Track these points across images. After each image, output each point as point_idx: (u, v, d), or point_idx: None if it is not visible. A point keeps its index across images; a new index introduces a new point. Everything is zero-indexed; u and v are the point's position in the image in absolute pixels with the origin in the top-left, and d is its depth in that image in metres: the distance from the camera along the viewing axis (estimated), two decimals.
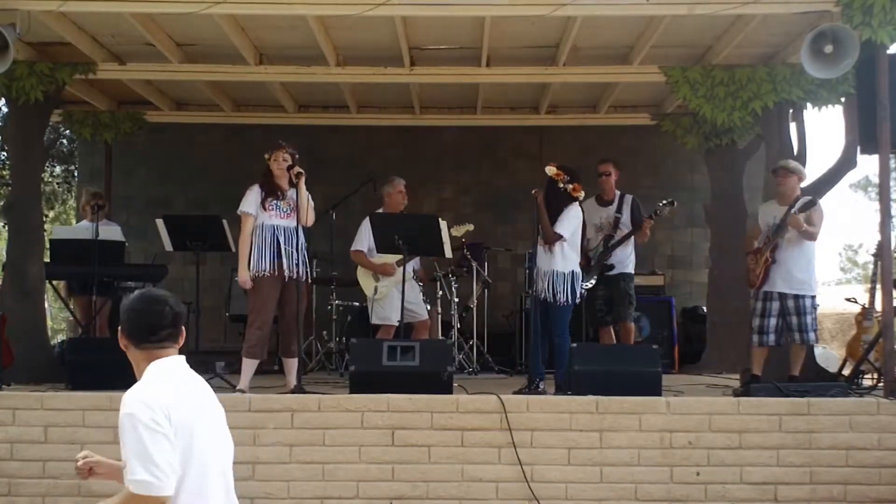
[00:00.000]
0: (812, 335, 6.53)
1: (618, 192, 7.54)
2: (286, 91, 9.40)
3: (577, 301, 6.73)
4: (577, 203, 6.69)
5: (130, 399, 2.67)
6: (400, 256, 6.97)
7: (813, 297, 6.60)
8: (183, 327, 2.90)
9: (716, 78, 7.82)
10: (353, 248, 7.59)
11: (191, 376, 2.90)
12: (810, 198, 6.59)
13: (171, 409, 2.65)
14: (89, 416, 5.74)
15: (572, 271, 6.65)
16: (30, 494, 5.63)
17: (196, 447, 2.70)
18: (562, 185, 6.52)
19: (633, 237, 7.48)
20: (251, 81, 8.76)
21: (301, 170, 6.37)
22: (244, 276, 6.36)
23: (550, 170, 6.59)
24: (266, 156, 6.50)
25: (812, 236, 6.57)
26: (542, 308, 6.60)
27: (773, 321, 6.58)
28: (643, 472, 5.69)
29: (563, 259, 6.63)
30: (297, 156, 6.51)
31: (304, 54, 7.96)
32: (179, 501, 2.66)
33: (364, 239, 7.48)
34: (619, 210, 7.46)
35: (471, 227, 8.01)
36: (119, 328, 2.87)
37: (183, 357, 2.90)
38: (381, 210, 7.61)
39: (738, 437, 5.73)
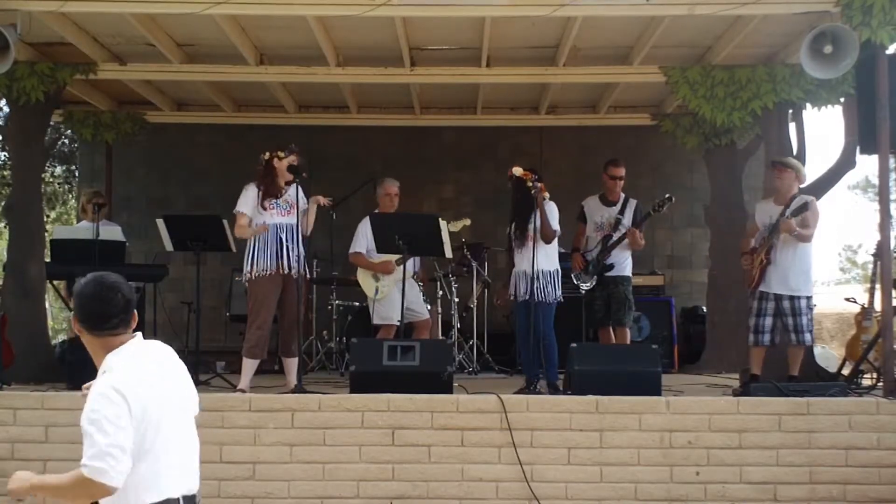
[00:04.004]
0: (808, 336, 6.51)
1: (622, 195, 7.53)
2: (286, 91, 9.41)
3: (562, 299, 6.77)
4: (550, 199, 6.76)
5: (92, 397, 2.71)
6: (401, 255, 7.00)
7: (808, 298, 6.57)
8: (135, 311, 2.90)
9: (715, 78, 7.82)
10: (350, 251, 7.59)
11: (153, 355, 2.90)
12: (805, 200, 6.58)
13: (132, 401, 2.68)
14: None
15: (557, 269, 6.72)
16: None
17: (157, 434, 2.74)
18: (530, 184, 6.58)
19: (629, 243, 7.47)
20: (251, 81, 8.77)
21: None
22: (253, 230, 6.39)
23: (518, 170, 6.66)
24: (281, 154, 6.48)
25: (806, 238, 6.53)
26: (528, 309, 6.59)
27: (768, 320, 6.57)
28: (643, 472, 5.70)
29: (546, 257, 6.68)
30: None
31: (305, 54, 7.97)
32: (133, 488, 2.72)
33: (362, 241, 7.48)
34: (621, 212, 7.45)
35: (467, 221, 8.03)
36: (73, 314, 2.89)
37: (139, 334, 2.90)
38: (376, 211, 7.62)
39: (738, 437, 5.74)
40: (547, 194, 6.73)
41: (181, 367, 3.01)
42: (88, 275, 2.91)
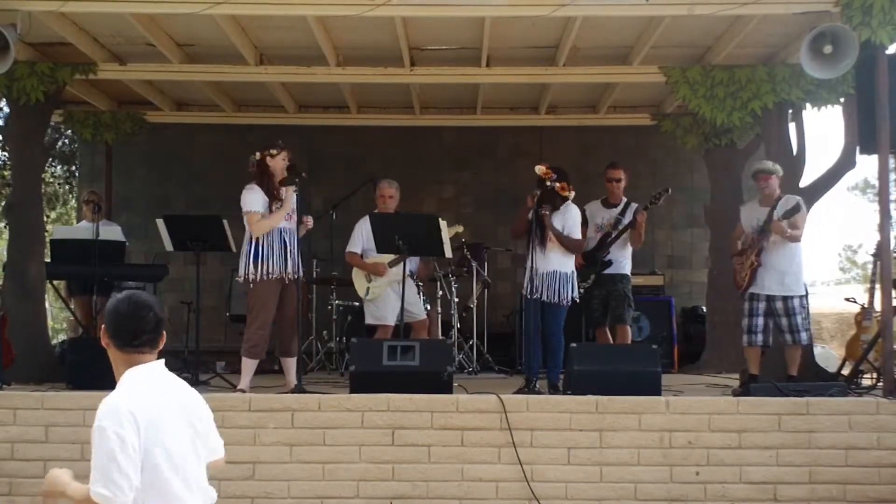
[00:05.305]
0: (804, 334, 6.52)
1: (624, 198, 7.54)
2: (286, 91, 9.41)
3: (576, 300, 6.76)
4: (571, 201, 6.73)
5: (103, 411, 2.76)
6: (395, 256, 7.01)
7: (802, 297, 6.58)
8: (164, 332, 2.96)
9: (715, 78, 7.83)
10: (347, 250, 7.60)
11: (169, 383, 2.95)
12: (795, 202, 6.56)
13: (139, 421, 2.73)
14: (90, 416, 5.62)
15: (572, 271, 6.71)
16: (30, 494, 5.62)
17: (164, 459, 2.76)
18: (549, 184, 6.56)
19: (629, 241, 7.45)
20: (251, 81, 8.77)
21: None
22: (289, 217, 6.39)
23: (540, 169, 6.64)
24: (273, 151, 6.46)
25: (796, 239, 6.57)
26: (539, 308, 6.59)
27: (760, 321, 6.59)
28: (643, 472, 5.70)
29: (563, 259, 6.67)
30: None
31: (304, 54, 7.98)
32: None
33: (358, 240, 7.47)
34: (622, 213, 7.45)
35: (460, 228, 7.97)
36: (103, 326, 2.94)
37: (161, 362, 2.96)
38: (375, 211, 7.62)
39: (738, 437, 5.74)
40: (572, 193, 6.68)
41: (204, 407, 3.03)
42: (123, 292, 2.99)
